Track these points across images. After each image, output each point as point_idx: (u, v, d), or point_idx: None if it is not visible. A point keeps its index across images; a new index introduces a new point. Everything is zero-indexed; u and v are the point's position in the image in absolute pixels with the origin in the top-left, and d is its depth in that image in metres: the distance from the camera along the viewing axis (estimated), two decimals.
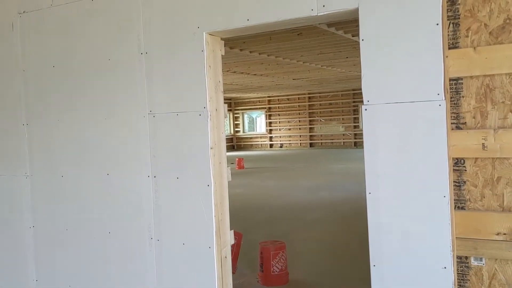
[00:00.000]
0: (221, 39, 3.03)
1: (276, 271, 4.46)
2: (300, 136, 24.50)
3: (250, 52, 8.28)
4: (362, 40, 2.47)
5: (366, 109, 2.49)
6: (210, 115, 2.90)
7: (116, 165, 3.23)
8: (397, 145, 2.42)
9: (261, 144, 25.80)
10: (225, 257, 3.01)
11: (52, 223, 3.50)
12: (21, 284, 3.68)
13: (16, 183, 3.63)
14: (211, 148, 2.91)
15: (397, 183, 2.43)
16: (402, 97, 2.39)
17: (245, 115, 26.49)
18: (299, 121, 24.41)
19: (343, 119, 23.13)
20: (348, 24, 6.30)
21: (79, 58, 3.31)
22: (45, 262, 3.56)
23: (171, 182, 3.03)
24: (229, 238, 3.07)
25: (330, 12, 2.53)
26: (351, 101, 22.65)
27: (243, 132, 26.49)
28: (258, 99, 25.25)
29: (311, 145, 24.13)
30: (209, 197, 2.91)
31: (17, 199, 3.64)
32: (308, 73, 12.88)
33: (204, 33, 2.86)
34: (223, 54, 3.06)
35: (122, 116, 3.18)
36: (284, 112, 24.92)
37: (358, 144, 22.34)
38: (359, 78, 13.23)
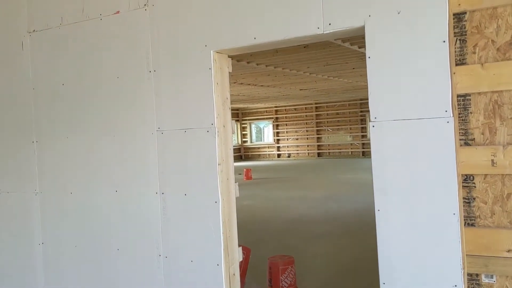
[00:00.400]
0: (228, 56, 3.05)
1: (285, 286, 4.43)
2: (307, 145, 24.46)
3: (257, 64, 8.30)
4: (369, 57, 2.48)
5: (373, 126, 2.49)
6: (218, 132, 2.91)
7: (124, 182, 3.24)
8: (405, 162, 2.41)
9: (268, 154, 25.78)
10: (234, 274, 3.00)
11: (62, 240, 3.52)
12: None
13: (26, 200, 3.66)
14: (218, 164, 2.92)
15: (405, 200, 2.41)
16: (409, 114, 2.39)
17: (253, 125, 26.51)
18: (307, 130, 24.39)
19: (350, 128, 23.07)
20: (355, 36, 6.31)
21: (88, 76, 3.34)
22: (55, 279, 3.57)
23: (179, 199, 3.04)
24: (238, 255, 3.07)
25: (336, 30, 2.54)
26: (358, 110, 22.61)
27: (251, 142, 26.50)
28: (265, 109, 25.29)
29: (318, 154, 24.07)
30: (217, 213, 2.91)
31: (27, 216, 3.67)
32: (315, 83, 12.88)
33: (211, 51, 2.88)
34: (230, 71, 3.08)
35: (131, 133, 3.20)
36: (292, 122, 24.92)
37: (366, 153, 22.25)
38: (366, 88, 13.21)
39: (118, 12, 3.18)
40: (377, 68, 2.46)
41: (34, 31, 3.53)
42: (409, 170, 2.40)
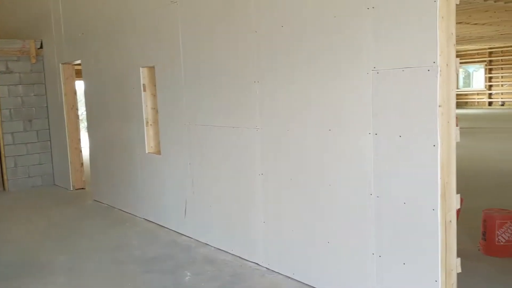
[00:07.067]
0: None
1: (502, 242, 4.08)
2: None
3: None
4: None
5: None
6: (440, 71, 2.72)
7: (337, 122, 3.31)
8: None
9: (477, 101, 23.34)
10: (450, 221, 2.87)
11: (279, 173, 3.83)
12: (251, 224, 4.17)
13: (248, 135, 4.06)
14: (439, 106, 2.75)
15: None
16: None
17: (460, 70, 24.18)
18: None
19: None
20: None
21: (306, 18, 3.43)
22: (272, 206, 3.94)
23: (393, 140, 2.98)
24: (455, 202, 2.91)
25: None
26: None
27: (458, 88, 24.31)
28: (476, 52, 22.68)
29: None
30: (434, 157, 2.78)
31: (249, 149, 4.08)
32: None
33: None
34: (458, 3, 2.80)
35: (345, 73, 3.22)
36: (509, 66, 21.89)
37: None
38: None
39: None
40: None
41: None
42: None
